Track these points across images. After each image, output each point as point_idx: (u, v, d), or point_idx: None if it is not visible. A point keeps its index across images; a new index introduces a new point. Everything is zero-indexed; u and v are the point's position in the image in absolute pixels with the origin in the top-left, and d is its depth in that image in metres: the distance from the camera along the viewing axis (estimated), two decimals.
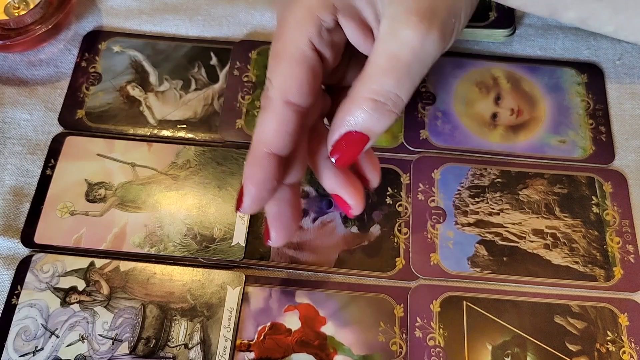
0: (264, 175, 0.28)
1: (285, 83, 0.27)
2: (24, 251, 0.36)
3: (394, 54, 0.26)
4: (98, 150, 0.39)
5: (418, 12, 0.26)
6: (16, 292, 0.35)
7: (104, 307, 0.34)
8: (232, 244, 0.36)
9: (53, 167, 0.39)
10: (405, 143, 0.40)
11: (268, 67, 0.28)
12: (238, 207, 0.28)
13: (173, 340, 0.33)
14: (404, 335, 0.34)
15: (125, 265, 0.36)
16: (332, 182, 0.30)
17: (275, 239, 0.31)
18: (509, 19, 0.43)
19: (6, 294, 0.35)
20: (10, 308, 0.34)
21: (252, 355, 0.33)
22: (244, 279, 0.35)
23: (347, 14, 0.28)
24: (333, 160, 0.28)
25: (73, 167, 0.39)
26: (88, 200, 0.38)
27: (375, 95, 0.26)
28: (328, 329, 0.34)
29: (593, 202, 0.38)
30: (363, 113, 0.27)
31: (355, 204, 0.30)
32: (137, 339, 0.34)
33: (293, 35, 0.27)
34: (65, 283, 0.35)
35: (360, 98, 0.27)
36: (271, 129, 0.27)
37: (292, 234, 0.32)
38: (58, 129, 0.40)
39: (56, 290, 0.35)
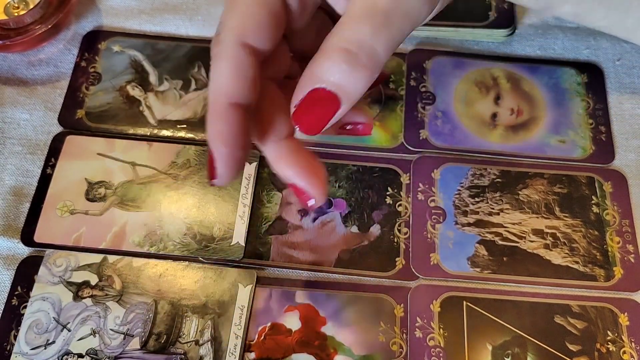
0: (233, 130, 0.24)
1: (243, 23, 0.24)
2: (24, 251, 0.36)
3: (377, 5, 0.23)
4: (98, 150, 0.39)
5: None
6: (16, 292, 0.35)
7: (116, 302, 0.35)
8: (232, 244, 0.36)
9: (53, 166, 0.39)
10: (405, 143, 0.40)
11: (223, 10, 0.25)
12: (212, 177, 0.24)
13: (184, 336, 0.34)
14: (404, 335, 0.34)
15: (137, 261, 0.36)
16: (287, 168, 0.25)
17: (223, 176, 0.25)
18: (508, 18, 0.43)
19: (6, 294, 0.35)
20: (10, 308, 0.34)
21: (252, 355, 0.33)
22: (256, 277, 0.35)
23: None
24: (297, 128, 0.24)
25: (73, 166, 0.39)
26: (88, 200, 0.38)
27: (347, 45, 0.23)
28: (328, 329, 0.34)
29: (593, 201, 0.38)
30: (334, 65, 0.23)
31: (316, 193, 0.25)
32: (148, 334, 0.34)
33: None
34: (78, 277, 0.35)
35: (331, 49, 0.23)
36: (228, 75, 0.24)
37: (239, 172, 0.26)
38: (58, 128, 0.40)
39: (69, 284, 0.35)
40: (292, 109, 0.24)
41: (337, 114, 0.24)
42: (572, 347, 0.34)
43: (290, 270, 0.36)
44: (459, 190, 0.38)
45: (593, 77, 0.42)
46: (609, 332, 0.34)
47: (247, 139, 0.24)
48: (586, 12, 0.33)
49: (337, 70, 0.23)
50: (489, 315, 0.35)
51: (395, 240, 0.37)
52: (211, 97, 0.24)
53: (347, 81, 0.23)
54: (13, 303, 0.35)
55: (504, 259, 0.36)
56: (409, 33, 0.24)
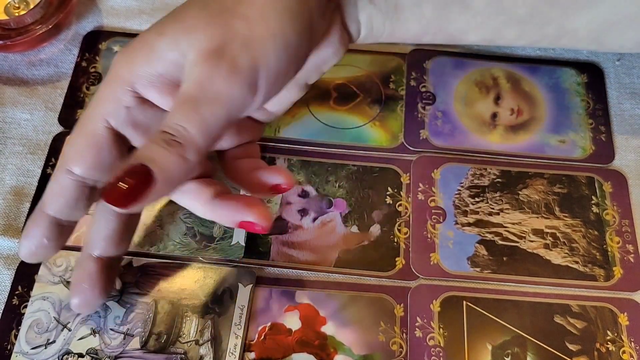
0: (36, 232, 0.29)
1: (69, 154, 0.28)
2: None
3: (183, 91, 0.25)
4: None
5: (207, 50, 0.25)
6: (17, 292, 0.35)
7: (116, 301, 0.35)
8: (232, 243, 0.36)
9: (54, 166, 0.39)
10: (405, 143, 0.40)
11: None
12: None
13: (184, 336, 0.34)
14: (404, 335, 0.34)
15: (137, 261, 0.36)
16: (228, 214, 0.28)
17: (76, 305, 0.31)
18: None
19: (7, 294, 0.35)
20: (11, 308, 0.34)
21: (252, 355, 0.33)
22: (256, 277, 0.35)
23: (148, 86, 0.27)
24: (104, 200, 0.24)
25: None
26: None
27: (166, 128, 0.25)
28: (328, 328, 0.34)
29: (593, 201, 0.38)
30: (153, 145, 0.25)
31: (260, 218, 0.28)
32: (148, 334, 0.34)
33: (93, 111, 0.28)
34: None
35: (153, 134, 0.25)
36: (51, 192, 0.29)
37: (94, 306, 0.32)
38: (58, 128, 0.40)
39: (69, 284, 0.35)
40: (106, 185, 0.25)
41: (153, 190, 0.24)
42: (572, 347, 0.34)
43: (290, 270, 0.36)
44: (459, 190, 0.38)
45: (593, 77, 0.42)
46: (608, 332, 0.34)
47: (45, 242, 0.29)
48: (496, 37, 0.34)
49: (155, 149, 0.24)
50: (489, 315, 0.35)
51: (395, 240, 0.37)
52: (41, 200, 0.29)
53: (162, 157, 0.24)
54: (13, 302, 0.35)
55: (504, 258, 0.36)
56: (227, 116, 0.25)
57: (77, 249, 0.36)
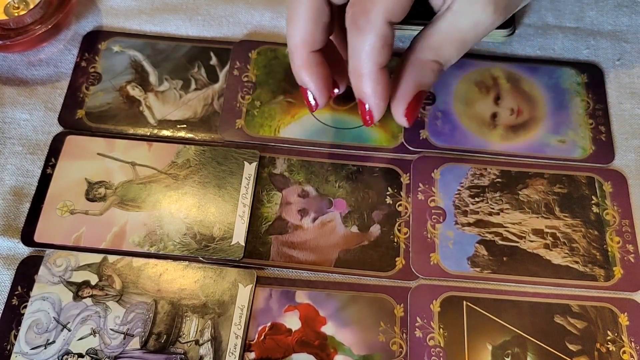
0: (317, 69, 0.33)
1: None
2: (24, 251, 0.36)
3: (463, 33, 0.31)
4: (98, 150, 0.39)
5: (495, 2, 0.30)
6: (17, 292, 0.35)
7: (116, 301, 0.35)
8: (232, 243, 0.36)
9: (53, 166, 0.39)
10: (405, 143, 0.40)
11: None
12: (311, 108, 0.34)
13: (184, 336, 0.34)
14: (404, 335, 0.34)
15: (137, 261, 0.36)
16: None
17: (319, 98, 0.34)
18: (508, 19, 0.43)
19: (6, 294, 0.35)
20: (11, 308, 0.34)
21: (252, 355, 0.33)
22: (256, 277, 0.35)
23: None
24: (406, 121, 0.33)
25: (73, 166, 0.39)
26: (88, 199, 0.38)
27: (441, 59, 0.32)
28: (328, 329, 0.34)
29: (593, 201, 0.38)
30: (431, 74, 0.32)
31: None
32: (148, 334, 0.34)
33: None
34: (78, 277, 0.35)
35: (429, 61, 0.32)
36: (306, 26, 0.32)
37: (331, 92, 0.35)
38: (58, 129, 0.40)
39: (69, 284, 0.35)
40: (403, 111, 0.32)
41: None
42: (572, 347, 0.34)
43: (290, 270, 0.36)
44: (459, 190, 0.38)
45: (593, 77, 0.42)
46: (609, 332, 0.34)
47: (327, 69, 0.33)
48: None
49: (433, 77, 0.32)
50: (489, 315, 0.35)
51: (395, 240, 0.37)
52: (295, 46, 0.32)
53: (434, 82, 0.32)
54: (13, 303, 0.35)
55: (504, 258, 0.36)
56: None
57: (77, 249, 0.36)
